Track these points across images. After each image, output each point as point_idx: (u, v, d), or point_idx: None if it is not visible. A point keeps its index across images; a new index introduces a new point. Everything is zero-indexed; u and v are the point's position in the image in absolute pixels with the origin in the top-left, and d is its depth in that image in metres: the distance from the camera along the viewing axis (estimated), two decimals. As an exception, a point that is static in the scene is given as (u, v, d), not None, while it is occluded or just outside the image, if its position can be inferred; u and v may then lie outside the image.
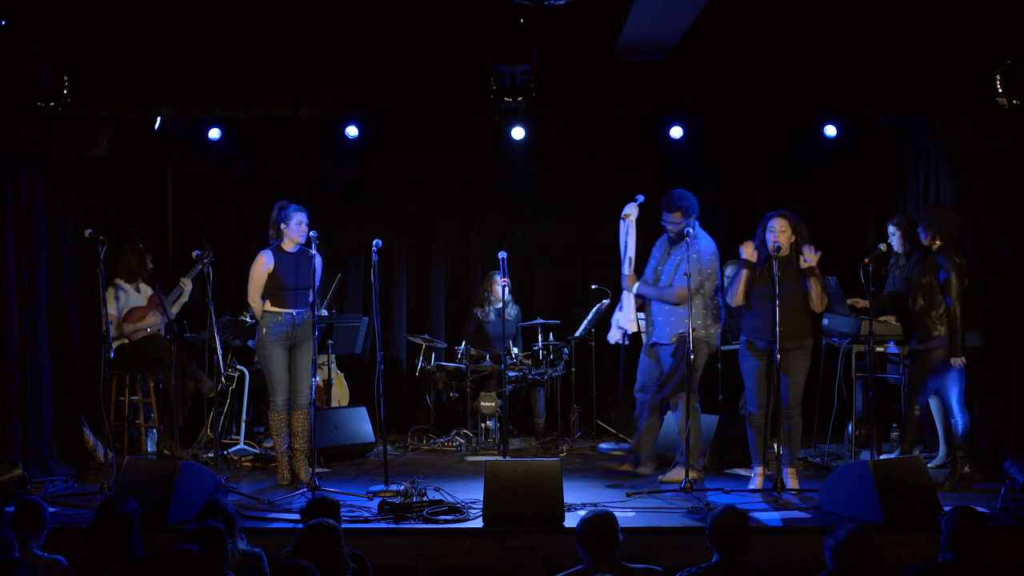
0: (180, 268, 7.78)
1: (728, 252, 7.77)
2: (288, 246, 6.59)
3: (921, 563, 4.20)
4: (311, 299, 6.50)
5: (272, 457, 7.09)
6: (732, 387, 7.87)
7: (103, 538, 4.18)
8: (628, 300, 6.70)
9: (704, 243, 6.52)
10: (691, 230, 6.34)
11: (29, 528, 4.36)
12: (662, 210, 6.58)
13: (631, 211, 6.64)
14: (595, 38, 6.39)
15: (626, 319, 6.70)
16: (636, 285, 6.64)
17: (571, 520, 5.43)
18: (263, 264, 6.58)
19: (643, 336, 6.95)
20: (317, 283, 6.62)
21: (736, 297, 6.33)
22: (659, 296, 6.59)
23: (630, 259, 6.63)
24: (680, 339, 6.41)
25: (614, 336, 6.90)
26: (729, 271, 7.50)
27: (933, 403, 6.96)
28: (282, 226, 6.57)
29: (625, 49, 6.32)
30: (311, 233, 6.43)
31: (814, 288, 6.18)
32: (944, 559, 4.12)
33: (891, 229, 7.15)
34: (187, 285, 7.55)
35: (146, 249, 7.19)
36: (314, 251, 6.43)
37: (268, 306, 6.58)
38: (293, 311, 6.55)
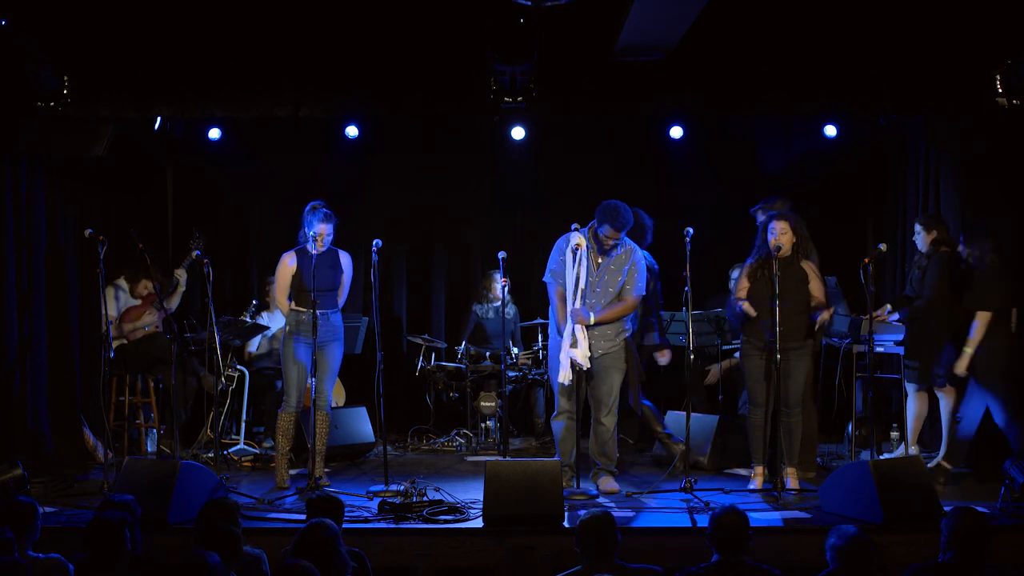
0: (176, 269, 7.78)
1: (727, 252, 7.79)
2: (314, 249, 6.57)
3: (921, 563, 4.20)
4: (340, 300, 6.56)
5: (272, 457, 7.09)
6: (732, 387, 7.88)
7: (99, 539, 4.18)
8: (581, 334, 6.20)
9: (640, 253, 6.48)
10: (624, 242, 6.37)
11: (22, 529, 4.34)
12: (604, 223, 6.24)
13: (583, 242, 6.26)
14: (595, 38, 6.39)
15: (583, 354, 6.20)
16: (589, 314, 6.24)
17: (571, 520, 5.43)
18: (287, 265, 6.57)
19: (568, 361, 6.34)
20: (348, 281, 6.64)
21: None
22: (618, 314, 6.33)
23: (581, 291, 6.23)
24: (626, 343, 6.41)
25: (567, 376, 6.22)
26: (735, 275, 7.50)
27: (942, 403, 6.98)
28: (305, 228, 6.55)
29: (625, 49, 6.32)
30: (311, 233, 6.43)
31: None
32: (944, 559, 4.12)
33: (917, 228, 7.12)
34: (182, 276, 7.54)
35: (146, 250, 7.19)
36: (343, 251, 6.46)
37: (293, 305, 6.58)
38: (315, 311, 6.52)
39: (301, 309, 6.52)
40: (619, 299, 6.36)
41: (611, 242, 6.31)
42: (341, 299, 6.65)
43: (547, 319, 8.36)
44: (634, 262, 6.39)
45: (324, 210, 6.48)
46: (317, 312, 6.43)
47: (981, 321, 6.43)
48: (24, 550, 4.30)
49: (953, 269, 6.89)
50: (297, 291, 6.55)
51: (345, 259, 6.61)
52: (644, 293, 6.48)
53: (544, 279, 6.56)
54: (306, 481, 6.35)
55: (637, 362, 6.49)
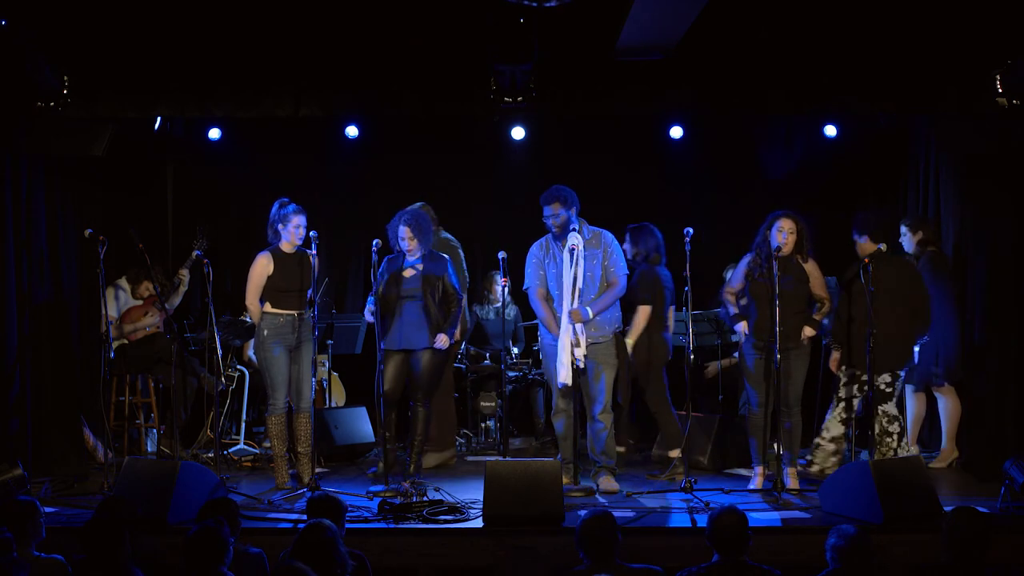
0: (179, 268, 7.78)
1: (727, 252, 7.78)
2: (287, 247, 6.56)
3: (921, 563, 4.20)
4: (311, 299, 6.50)
5: (272, 456, 7.09)
6: (732, 387, 7.88)
7: (98, 539, 4.18)
8: (581, 332, 6.20)
9: (610, 234, 6.49)
10: (573, 221, 6.33)
11: (25, 528, 4.35)
12: (543, 207, 6.43)
13: (579, 242, 6.27)
14: (595, 38, 6.39)
15: (582, 353, 6.17)
16: (587, 310, 6.22)
17: (571, 520, 5.43)
18: (262, 266, 6.51)
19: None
20: (313, 283, 6.63)
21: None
22: (612, 300, 6.37)
23: (579, 291, 6.23)
24: (617, 336, 6.43)
25: (569, 376, 6.21)
26: (729, 275, 7.50)
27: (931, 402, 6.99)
28: (279, 227, 6.52)
29: (625, 49, 6.32)
30: (311, 233, 6.42)
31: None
32: (944, 559, 4.13)
33: (903, 229, 7.13)
34: (185, 276, 7.55)
35: (145, 250, 7.20)
36: (313, 251, 6.43)
37: (268, 308, 6.51)
38: (295, 312, 6.52)
39: (278, 311, 6.49)
40: (607, 285, 6.38)
41: (555, 221, 6.35)
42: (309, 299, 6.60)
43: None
44: (606, 244, 6.40)
45: (295, 204, 6.50)
46: (296, 313, 6.46)
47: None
48: (27, 549, 4.30)
49: (945, 268, 6.92)
50: (272, 292, 6.49)
51: (314, 258, 6.60)
52: (628, 273, 6.48)
53: (524, 287, 6.57)
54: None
55: (628, 360, 6.50)
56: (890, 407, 6.40)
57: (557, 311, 6.36)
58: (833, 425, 6.56)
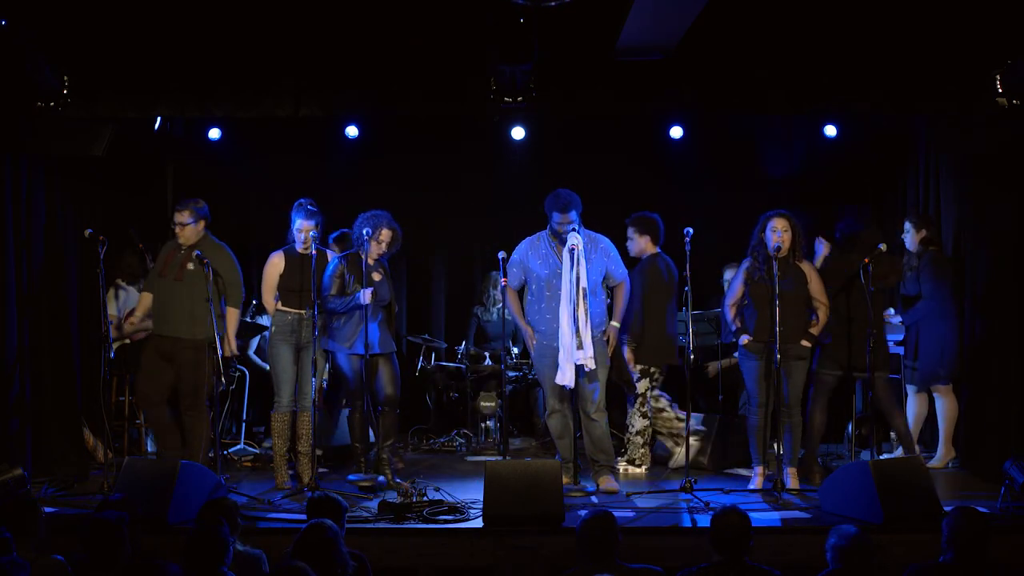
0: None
1: (727, 252, 7.78)
2: (300, 248, 6.59)
3: (921, 563, 4.20)
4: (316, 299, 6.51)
5: (272, 456, 7.08)
6: (732, 387, 7.87)
7: (98, 540, 4.17)
8: (585, 336, 6.14)
9: (606, 238, 6.52)
10: (577, 227, 6.31)
11: (25, 528, 4.34)
12: (552, 211, 6.33)
13: (579, 241, 6.22)
14: (595, 38, 6.38)
15: (586, 355, 6.12)
16: (615, 325, 6.43)
17: (571, 520, 5.43)
18: (273, 266, 6.60)
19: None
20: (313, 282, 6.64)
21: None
22: (621, 305, 6.51)
23: (583, 291, 6.16)
24: (603, 333, 6.47)
25: (572, 379, 6.18)
26: (728, 275, 7.51)
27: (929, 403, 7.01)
28: (292, 226, 6.60)
29: (625, 49, 6.32)
30: (311, 234, 6.44)
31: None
32: (944, 559, 4.12)
33: (907, 226, 7.13)
34: None
35: (145, 249, 7.19)
36: (313, 251, 6.44)
37: (279, 306, 6.59)
38: (300, 312, 6.54)
39: (287, 310, 6.54)
40: (608, 292, 6.45)
41: (566, 229, 6.28)
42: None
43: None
44: (604, 249, 6.44)
45: (308, 207, 6.52)
46: (302, 312, 6.47)
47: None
48: (27, 550, 4.29)
49: (946, 267, 6.93)
50: (282, 291, 6.56)
51: (333, 260, 6.60)
52: (627, 276, 6.52)
53: (510, 284, 6.57)
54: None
55: (622, 358, 6.54)
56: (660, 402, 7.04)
57: (544, 310, 6.38)
58: (636, 420, 7.00)
